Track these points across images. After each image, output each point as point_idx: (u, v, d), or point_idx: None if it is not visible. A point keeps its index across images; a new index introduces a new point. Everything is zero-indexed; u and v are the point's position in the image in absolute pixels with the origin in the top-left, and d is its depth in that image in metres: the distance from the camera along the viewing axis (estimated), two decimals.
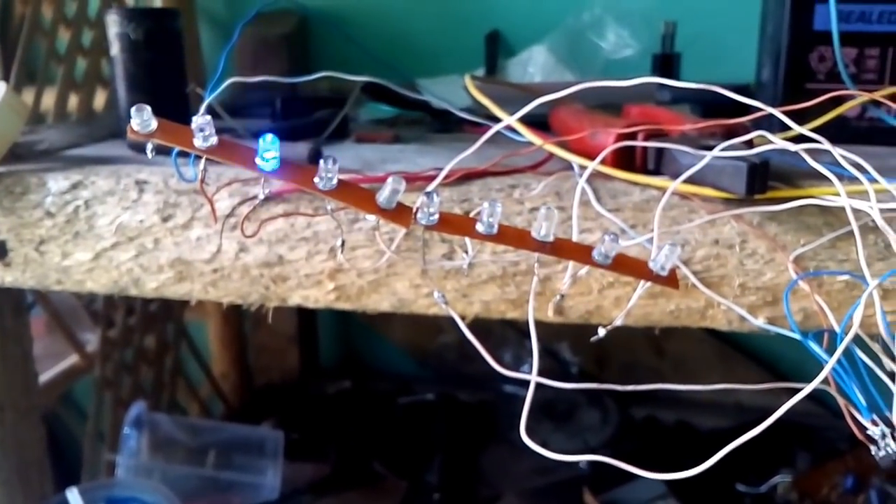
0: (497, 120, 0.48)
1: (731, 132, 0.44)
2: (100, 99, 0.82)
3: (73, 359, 0.92)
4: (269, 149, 0.31)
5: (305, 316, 1.13)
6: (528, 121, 0.53)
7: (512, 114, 0.47)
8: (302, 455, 0.93)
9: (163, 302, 0.99)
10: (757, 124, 0.42)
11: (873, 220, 0.35)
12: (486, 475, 0.91)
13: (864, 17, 0.58)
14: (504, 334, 1.09)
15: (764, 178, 0.37)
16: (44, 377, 0.86)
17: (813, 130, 0.53)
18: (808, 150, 0.37)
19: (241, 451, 0.86)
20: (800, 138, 0.35)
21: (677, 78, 0.74)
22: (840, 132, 0.58)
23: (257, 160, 0.32)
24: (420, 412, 1.00)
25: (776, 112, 0.36)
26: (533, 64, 0.86)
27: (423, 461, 0.91)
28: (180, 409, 1.07)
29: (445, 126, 0.71)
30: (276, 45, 0.91)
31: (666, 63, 0.77)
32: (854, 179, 0.37)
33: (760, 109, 0.40)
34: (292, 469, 0.89)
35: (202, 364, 1.11)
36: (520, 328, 1.09)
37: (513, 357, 1.08)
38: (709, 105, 0.66)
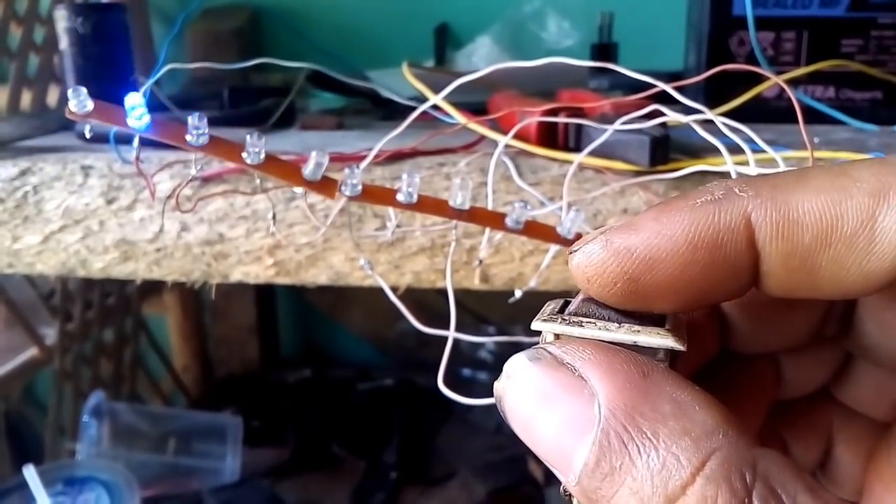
0: (445, 110, 0.51)
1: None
2: (53, 95, 0.84)
3: (32, 352, 0.93)
4: (198, 126, 0.34)
5: (265, 307, 1.15)
6: (469, 108, 0.56)
7: (446, 99, 0.49)
8: (262, 441, 0.95)
9: (120, 295, 1.01)
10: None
11: None
12: (442, 454, 0.94)
13: (780, 2, 0.61)
14: (460, 320, 1.12)
15: (665, 150, 0.40)
16: (3, 370, 0.87)
17: (732, 110, 0.57)
18: (732, 129, 0.40)
19: (200, 438, 0.87)
20: (690, 110, 0.38)
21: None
22: (760, 112, 0.61)
23: (187, 136, 0.34)
24: (378, 397, 1.03)
25: (668, 88, 0.38)
26: (478, 55, 0.88)
27: (381, 443, 0.94)
28: (141, 402, 1.08)
29: (391, 114, 0.73)
30: (228, 39, 0.93)
31: (603, 52, 0.80)
32: (758, 150, 0.40)
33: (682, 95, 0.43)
34: (253, 454, 0.91)
35: (163, 357, 1.12)
36: (476, 314, 1.12)
37: (469, 343, 1.11)
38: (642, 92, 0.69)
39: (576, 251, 0.19)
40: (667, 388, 0.17)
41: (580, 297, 0.20)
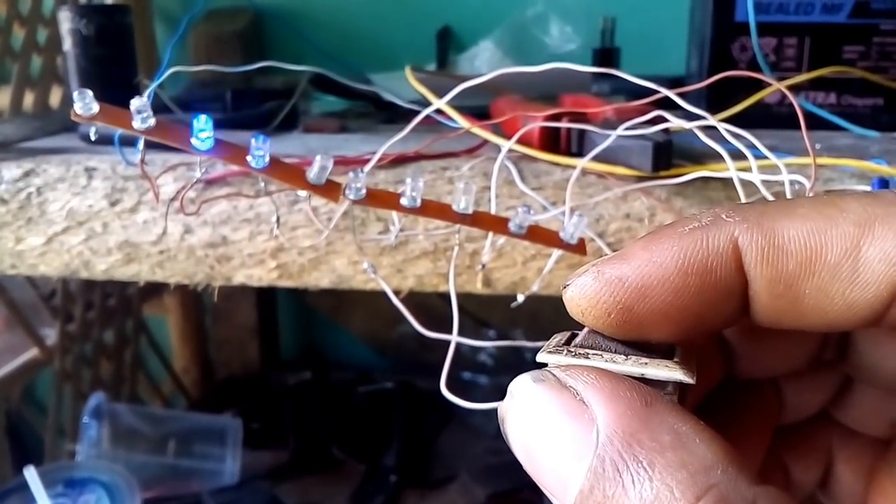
0: (448, 114, 0.51)
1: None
2: (56, 96, 0.84)
3: (32, 352, 0.93)
4: (204, 129, 0.34)
5: (265, 309, 1.15)
6: (471, 111, 0.56)
7: (449, 103, 0.49)
8: (262, 443, 0.95)
9: (121, 296, 1.01)
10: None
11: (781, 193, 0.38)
12: (443, 457, 0.94)
13: (782, 9, 0.61)
14: (461, 323, 1.12)
15: (668, 156, 0.40)
16: (3, 370, 0.87)
17: (734, 116, 0.58)
18: (734, 134, 0.40)
19: (200, 440, 0.87)
20: (692, 116, 0.38)
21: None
22: (762, 118, 0.62)
23: (192, 140, 0.34)
24: (379, 400, 1.03)
25: (671, 94, 0.39)
26: (480, 58, 0.88)
27: (381, 446, 0.94)
28: (141, 403, 1.08)
29: (393, 118, 0.73)
30: (230, 41, 0.93)
31: (605, 57, 0.80)
32: (761, 156, 0.40)
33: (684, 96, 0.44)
34: (252, 457, 0.91)
35: (163, 359, 1.12)
36: (477, 317, 1.12)
37: (469, 347, 1.11)
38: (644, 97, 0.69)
39: (569, 285, 0.19)
40: (668, 419, 0.16)
41: (586, 329, 0.19)
